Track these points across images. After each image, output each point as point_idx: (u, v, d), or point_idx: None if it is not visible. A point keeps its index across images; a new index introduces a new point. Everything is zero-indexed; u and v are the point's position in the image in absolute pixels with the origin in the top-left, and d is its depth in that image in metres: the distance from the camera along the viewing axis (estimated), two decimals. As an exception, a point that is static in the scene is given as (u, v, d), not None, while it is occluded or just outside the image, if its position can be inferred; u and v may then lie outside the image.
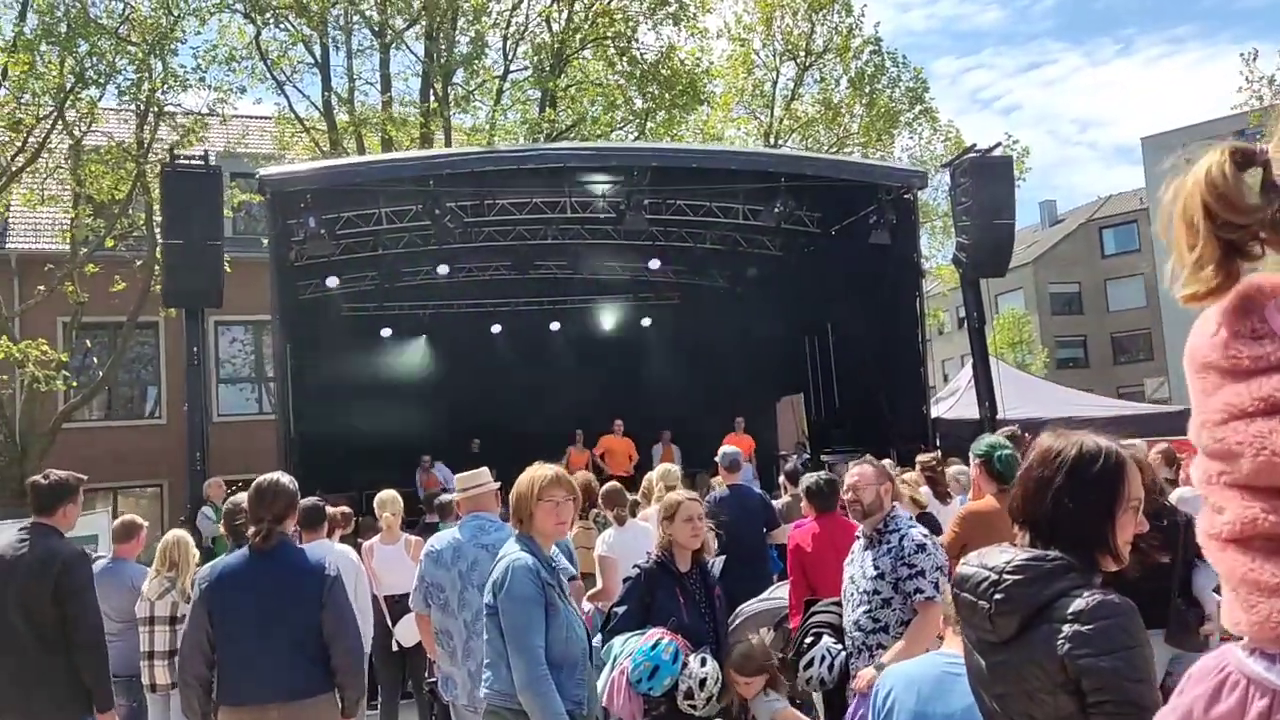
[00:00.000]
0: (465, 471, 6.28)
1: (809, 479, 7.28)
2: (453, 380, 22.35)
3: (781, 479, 11.31)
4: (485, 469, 6.24)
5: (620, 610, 5.56)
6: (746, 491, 9.61)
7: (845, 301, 18.82)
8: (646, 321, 24.45)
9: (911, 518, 7.44)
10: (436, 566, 5.94)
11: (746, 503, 9.31)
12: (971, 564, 2.59)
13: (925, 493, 9.47)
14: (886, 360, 17.63)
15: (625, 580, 5.81)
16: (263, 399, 26.50)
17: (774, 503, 10.01)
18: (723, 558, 6.47)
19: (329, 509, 8.47)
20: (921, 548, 5.29)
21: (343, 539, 8.98)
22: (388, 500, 8.89)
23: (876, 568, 5.37)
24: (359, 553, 8.49)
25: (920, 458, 9.88)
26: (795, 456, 18.04)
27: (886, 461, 10.89)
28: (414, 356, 22.63)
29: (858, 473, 5.53)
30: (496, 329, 23.37)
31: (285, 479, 5.15)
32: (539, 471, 4.70)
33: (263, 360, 25.60)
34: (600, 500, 8.45)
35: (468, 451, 19.09)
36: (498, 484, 5.97)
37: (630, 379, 23.20)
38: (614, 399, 21.27)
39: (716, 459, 9.72)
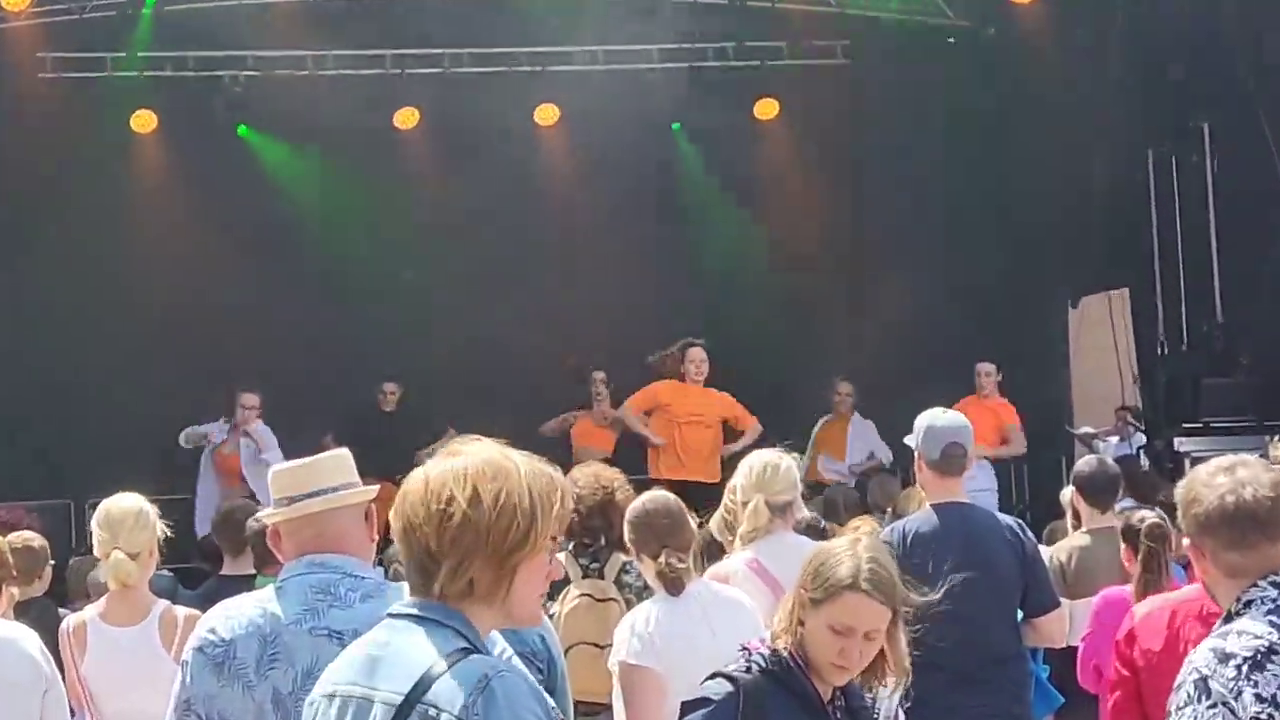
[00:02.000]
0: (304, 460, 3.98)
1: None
2: (303, 243, 13.51)
3: (1069, 493, 7.20)
4: (342, 453, 3.89)
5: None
6: (978, 520, 6.28)
7: (1246, 75, 11.60)
8: (767, 110, 13.90)
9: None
10: (221, 678, 3.83)
11: (977, 545, 6.05)
12: None
13: None
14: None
15: (691, 707, 3.80)
16: None
17: (1046, 550, 6.82)
18: (899, 684, 4.13)
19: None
20: (1202, 688, 3.14)
21: (21, 607, 6.26)
22: (121, 520, 5.64)
23: None
24: (54, 640, 5.79)
25: None
26: (1109, 440, 12.37)
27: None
28: (214, 181, 13.24)
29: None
30: (408, 119, 13.57)
31: None
32: (530, 468, 2.54)
33: None
34: (629, 534, 5.42)
35: (361, 421, 12.01)
36: (373, 489, 3.82)
37: (723, 252, 14.04)
38: (681, 295, 13.76)
39: (912, 441, 6.18)
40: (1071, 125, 12.74)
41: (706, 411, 11.22)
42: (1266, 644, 2.98)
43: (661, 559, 5.22)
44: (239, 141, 13.63)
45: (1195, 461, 10.31)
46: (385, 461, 7.43)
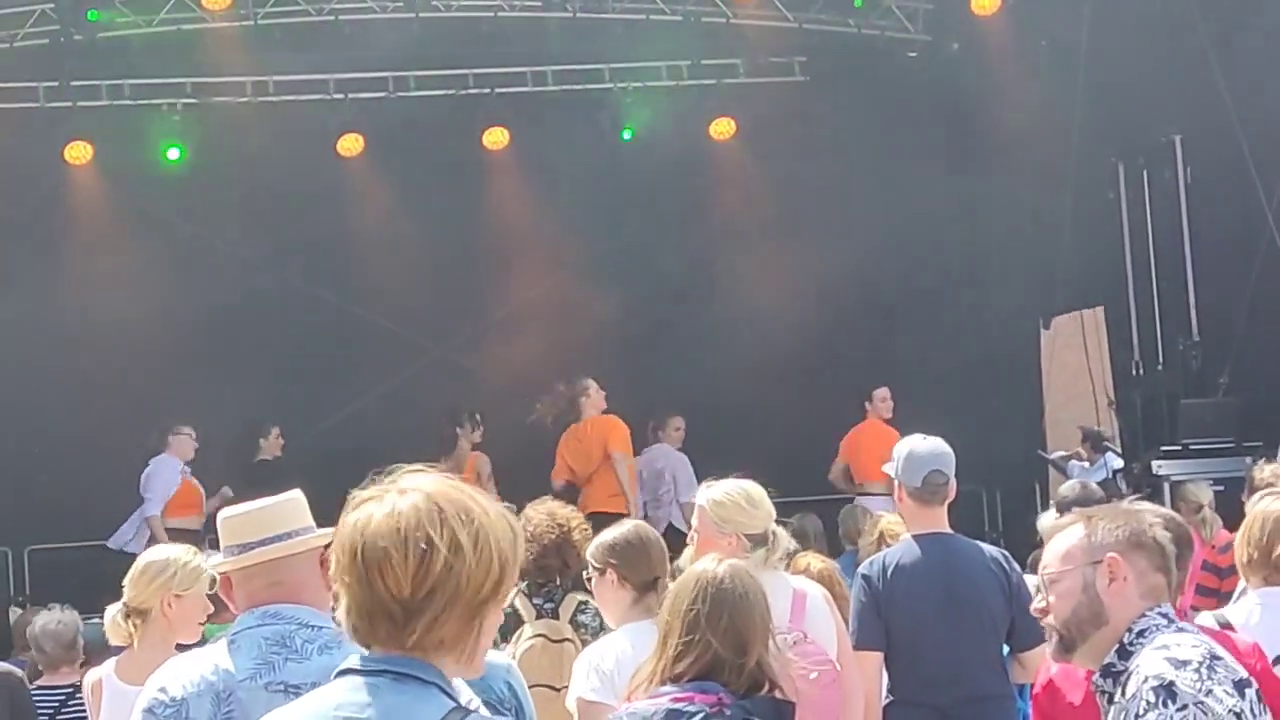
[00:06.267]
0: (246, 504, 3.82)
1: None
2: (243, 273, 12.88)
3: (1050, 518, 6.94)
4: (296, 495, 3.75)
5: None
6: (962, 551, 6.02)
7: (1219, 84, 10.84)
8: (723, 129, 13.27)
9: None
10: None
11: (961, 577, 5.84)
12: None
13: None
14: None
15: None
16: None
17: (1031, 580, 5.64)
18: None
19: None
20: (1166, 693, 3.20)
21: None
22: (133, 573, 5.33)
23: None
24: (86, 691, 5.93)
25: None
26: (1079, 463, 11.95)
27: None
28: (154, 212, 12.75)
29: (1053, 549, 3.43)
30: (353, 145, 12.71)
31: None
32: (494, 509, 2.42)
33: None
34: (615, 560, 5.12)
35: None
36: (330, 532, 3.00)
37: (678, 274, 13.39)
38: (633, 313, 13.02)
39: (891, 469, 5.94)
40: (1038, 140, 12.14)
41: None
42: (1207, 650, 3.16)
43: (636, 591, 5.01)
44: (176, 171, 12.71)
45: (1174, 485, 9.82)
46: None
